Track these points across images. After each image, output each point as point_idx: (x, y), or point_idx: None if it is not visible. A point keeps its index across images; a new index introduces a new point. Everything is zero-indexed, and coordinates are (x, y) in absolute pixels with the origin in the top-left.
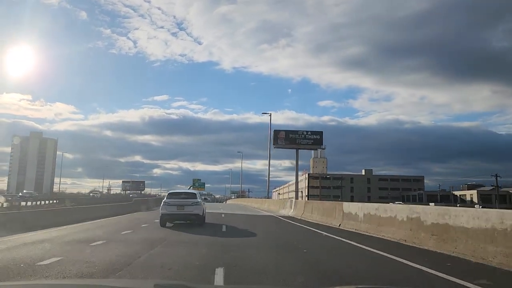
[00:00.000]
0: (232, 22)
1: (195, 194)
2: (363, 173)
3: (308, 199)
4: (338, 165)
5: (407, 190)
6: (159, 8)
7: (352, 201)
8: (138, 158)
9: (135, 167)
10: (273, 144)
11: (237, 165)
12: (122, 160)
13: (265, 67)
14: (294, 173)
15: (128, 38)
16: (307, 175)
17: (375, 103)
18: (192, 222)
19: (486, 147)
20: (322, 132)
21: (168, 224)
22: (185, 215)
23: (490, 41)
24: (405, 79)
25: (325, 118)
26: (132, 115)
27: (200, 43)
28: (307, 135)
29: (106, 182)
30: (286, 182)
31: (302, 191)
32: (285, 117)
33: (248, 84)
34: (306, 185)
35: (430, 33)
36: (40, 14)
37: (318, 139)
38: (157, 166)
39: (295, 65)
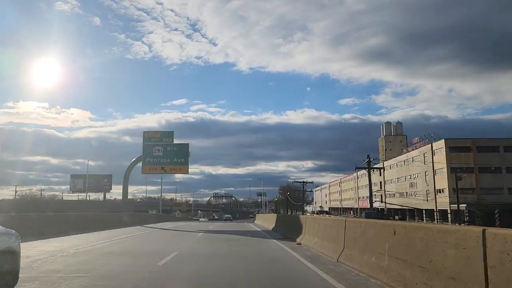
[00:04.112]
0: (247, 21)
1: None
2: None
3: (456, 203)
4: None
5: None
6: (172, 10)
7: None
8: None
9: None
10: None
11: (258, 167)
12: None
13: (281, 65)
14: (321, 174)
15: (143, 42)
16: (441, 143)
17: (399, 98)
18: None
19: None
20: None
21: None
22: None
23: None
24: (432, 70)
25: (347, 116)
26: (149, 120)
27: (215, 44)
28: None
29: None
30: (313, 184)
31: (428, 183)
32: (305, 116)
33: (265, 84)
34: (443, 171)
35: (459, 17)
36: (53, 21)
37: None
38: None
39: (312, 60)
